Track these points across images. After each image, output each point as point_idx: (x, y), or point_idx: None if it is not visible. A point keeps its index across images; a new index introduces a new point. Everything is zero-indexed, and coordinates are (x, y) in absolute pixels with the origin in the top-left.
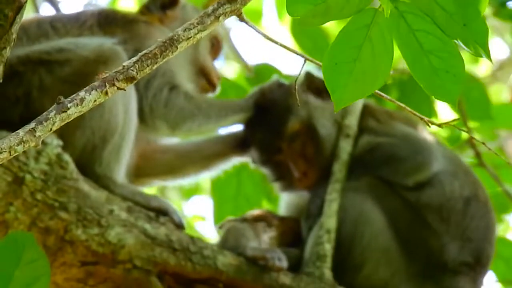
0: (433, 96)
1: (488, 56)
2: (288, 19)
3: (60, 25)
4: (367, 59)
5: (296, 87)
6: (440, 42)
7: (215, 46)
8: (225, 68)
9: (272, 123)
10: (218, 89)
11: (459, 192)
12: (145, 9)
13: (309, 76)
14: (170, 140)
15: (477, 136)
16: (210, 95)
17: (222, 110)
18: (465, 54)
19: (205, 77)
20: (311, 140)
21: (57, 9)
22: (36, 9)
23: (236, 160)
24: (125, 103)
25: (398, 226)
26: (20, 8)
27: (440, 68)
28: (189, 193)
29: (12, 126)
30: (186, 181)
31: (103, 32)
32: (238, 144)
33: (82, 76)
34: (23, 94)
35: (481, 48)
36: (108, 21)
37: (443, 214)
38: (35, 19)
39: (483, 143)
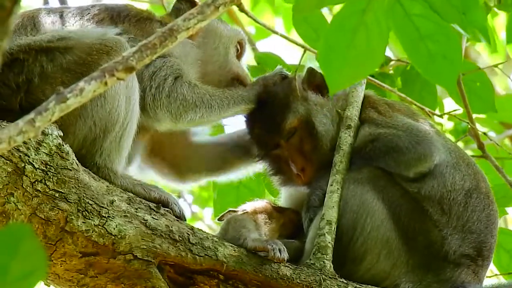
0: (431, 80)
1: (488, 40)
2: (284, 10)
3: (70, 15)
4: (362, 44)
5: (297, 83)
6: (437, 27)
7: (240, 51)
8: None
9: (271, 118)
10: None
11: (461, 183)
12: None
13: (310, 72)
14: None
15: (482, 128)
16: None
17: (225, 101)
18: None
19: (240, 83)
20: (309, 136)
21: (63, 1)
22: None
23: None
24: (127, 94)
25: (399, 218)
26: None
27: (437, 53)
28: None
29: (12, 114)
30: (232, 176)
31: (115, 26)
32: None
33: (84, 65)
34: (24, 82)
35: (480, 32)
36: (120, 16)
37: (444, 205)
38: (44, 9)
39: (485, 134)
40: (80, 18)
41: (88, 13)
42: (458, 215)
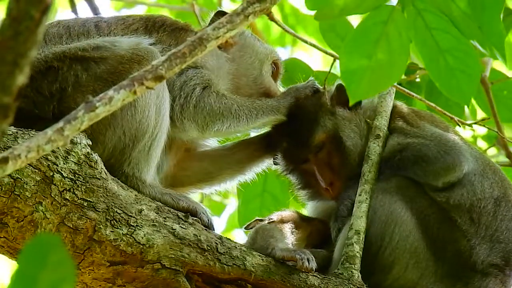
0: (447, 94)
1: (504, 57)
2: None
3: (105, 25)
4: (383, 55)
5: (326, 97)
6: (457, 42)
7: (275, 70)
8: None
9: (300, 132)
10: None
11: (490, 191)
12: None
13: (340, 88)
14: (205, 146)
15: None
16: None
17: (253, 111)
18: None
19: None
20: (337, 151)
21: (93, 7)
22: (73, 7)
23: (269, 162)
24: (157, 104)
25: (428, 228)
26: (46, 9)
27: (456, 68)
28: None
29: (44, 123)
30: (222, 187)
31: (148, 36)
32: (270, 145)
33: (115, 74)
34: (58, 90)
35: (496, 49)
36: (156, 27)
37: (474, 214)
38: (80, 19)
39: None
40: (115, 28)
41: (123, 23)
42: (487, 225)
